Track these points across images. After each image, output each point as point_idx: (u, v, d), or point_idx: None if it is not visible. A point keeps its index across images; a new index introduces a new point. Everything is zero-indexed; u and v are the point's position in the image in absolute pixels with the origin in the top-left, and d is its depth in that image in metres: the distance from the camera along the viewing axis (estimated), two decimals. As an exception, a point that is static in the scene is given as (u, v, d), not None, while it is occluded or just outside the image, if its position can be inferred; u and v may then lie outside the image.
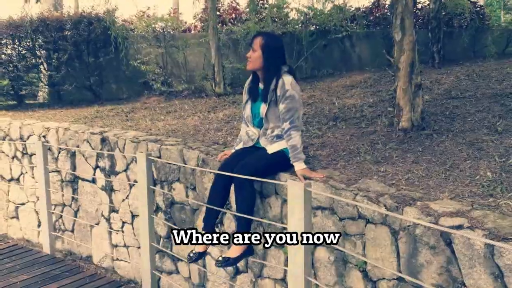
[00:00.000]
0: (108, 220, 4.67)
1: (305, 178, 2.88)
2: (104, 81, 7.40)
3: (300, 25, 7.49)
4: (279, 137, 3.02)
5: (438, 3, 6.87)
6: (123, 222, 4.51)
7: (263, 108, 2.99)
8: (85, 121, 5.77)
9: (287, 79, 2.92)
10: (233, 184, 3.01)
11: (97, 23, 6.89)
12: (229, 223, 3.52)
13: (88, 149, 4.73)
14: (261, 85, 3.07)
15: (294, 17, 7.86)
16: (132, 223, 4.41)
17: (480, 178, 2.79)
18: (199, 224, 3.76)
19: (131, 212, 4.38)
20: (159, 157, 4.02)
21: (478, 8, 8.14)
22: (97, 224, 4.77)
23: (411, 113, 3.88)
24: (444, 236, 2.16)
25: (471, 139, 3.52)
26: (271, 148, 2.99)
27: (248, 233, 2.87)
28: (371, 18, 8.29)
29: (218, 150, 3.81)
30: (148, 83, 7.45)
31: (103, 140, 4.64)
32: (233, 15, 8.55)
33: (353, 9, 8.10)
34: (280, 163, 3.02)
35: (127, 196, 4.41)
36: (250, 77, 3.16)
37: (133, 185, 4.29)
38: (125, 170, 4.41)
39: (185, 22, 8.41)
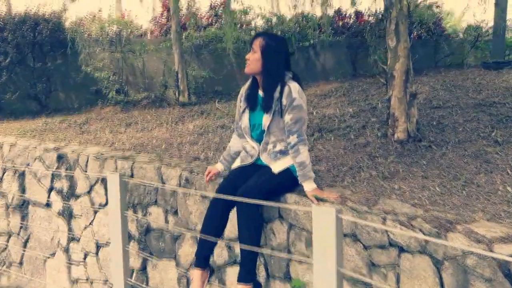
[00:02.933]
0: (66, 250, 4.02)
1: (317, 199, 2.52)
2: (52, 89, 6.63)
3: (266, 31, 7.17)
4: (283, 152, 2.64)
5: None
6: (86, 253, 3.89)
7: (266, 119, 2.60)
8: (34, 135, 5.05)
9: (294, 86, 2.55)
10: (233, 210, 2.59)
11: (44, 24, 6.15)
12: (220, 252, 3.07)
13: (41, 168, 4.06)
14: (260, 92, 2.68)
15: (258, 24, 7.55)
16: (97, 254, 3.80)
17: (503, 194, 2.59)
18: (182, 254, 3.27)
19: (96, 241, 3.78)
20: (132, 176, 3.48)
21: (435, 19, 8.30)
22: (53, 255, 4.10)
23: (407, 123, 3.67)
24: (503, 266, 1.88)
25: (473, 150, 3.35)
26: (276, 167, 2.60)
27: (255, 269, 2.45)
28: (334, 26, 8.18)
29: (202, 167, 3.36)
30: (101, 91, 6.78)
31: (60, 158, 4.00)
32: (192, 20, 8.08)
33: (317, 17, 7.93)
34: (287, 182, 2.64)
35: (91, 222, 3.81)
36: (248, 82, 2.76)
37: (99, 209, 3.70)
38: (88, 192, 3.81)
39: (141, 26, 7.83)
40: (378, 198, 2.59)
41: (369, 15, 8.51)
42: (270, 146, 2.65)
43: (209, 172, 2.88)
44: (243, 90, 2.78)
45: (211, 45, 7.23)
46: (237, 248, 2.95)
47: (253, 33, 7.41)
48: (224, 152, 2.95)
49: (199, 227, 3.15)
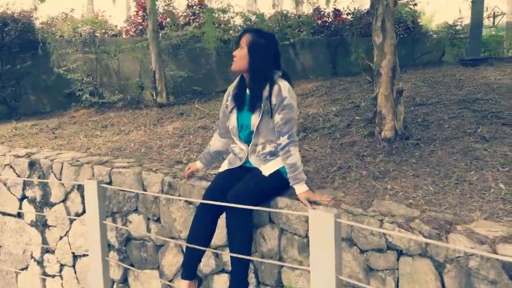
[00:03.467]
0: (40, 263, 3.78)
1: (310, 202, 2.40)
2: (21, 92, 6.31)
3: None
4: (273, 154, 2.51)
5: (383, 10, 6.84)
6: (62, 265, 3.66)
7: (254, 119, 2.46)
8: (2, 141, 4.77)
9: (284, 85, 2.43)
10: (221, 216, 2.45)
11: (13, 24, 5.84)
12: (206, 261, 2.92)
13: (11, 176, 3.81)
14: (248, 91, 2.54)
15: (236, 23, 7.41)
16: (74, 266, 3.59)
17: (497, 192, 2.54)
18: (166, 263, 3.11)
19: (73, 253, 3.56)
20: (110, 182, 3.29)
21: (413, 17, 8.35)
22: (25, 268, 3.85)
23: (394, 121, 3.60)
24: (507, 267, 1.80)
25: (461, 147, 3.31)
26: (267, 169, 2.47)
27: (247, 278, 2.31)
28: (314, 25, 8.11)
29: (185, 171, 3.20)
30: (75, 94, 6.50)
31: (32, 164, 3.76)
32: (168, 20, 7.86)
33: (296, 15, 7.84)
34: (278, 185, 2.51)
35: (67, 232, 3.59)
36: (236, 81, 2.62)
37: (75, 219, 3.49)
38: (63, 201, 3.59)
39: (116, 26, 7.56)
40: (372, 199, 2.49)
41: (347, 14, 8.50)
42: (259, 148, 2.52)
43: (188, 168, 2.93)
44: (231, 89, 2.64)
45: (189, 44, 7.04)
46: (225, 256, 2.81)
47: (232, 32, 7.28)
48: (204, 150, 2.88)
49: (183, 235, 3.00)
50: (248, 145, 2.55)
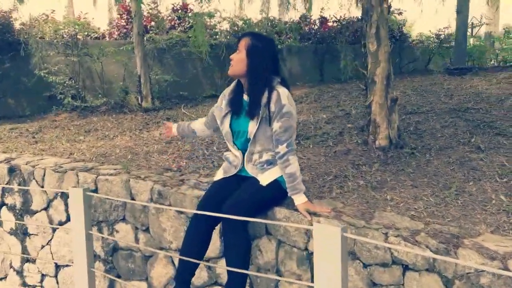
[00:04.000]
0: (20, 273, 3.58)
1: (310, 213, 2.31)
2: (0, 95, 6.06)
3: (231, 36, 6.94)
4: (270, 163, 2.41)
5: (371, 18, 6.86)
6: (43, 275, 3.47)
7: (252, 126, 2.36)
8: (-21, 145, 4.53)
9: (283, 92, 2.34)
10: (216, 229, 2.33)
11: (-10, 24, 5.61)
12: (198, 273, 2.79)
13: (-11, 183, 3.61)
14: (245, 97, 2.44)
15: (223, 28, 7.31)
16: (56, 276, 3.40)
17: (498, 203, 2.50)
18: (155, 275, 2.96)
19: (55, 263, 3.38)
20: (96, 190, 3.13)
21: (398, 26, 8.42)
22: (4, 278, 3.64)
23: (389, 130, 3.55)
24: (520, 285, 1.74)
25: (457, 157, 3.28)
26: (264, 178, 2.36)
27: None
28: (301, 32, 8.09)
29: (176, 179, 3.07)
30: (56, 97, 6.28)
31: (12, 170, 3.57)
32: (153, 23, 7.72)
33: (283, 22, 7.81)
34: (275, 195, 2.41)
35: (49, 241, 3.41)
36: (232, 85, 2.51)
37: (58, 228, 3.31)
38: (45, 209, 3.40)
39: (99, 28, 7.37)
40: (373, 210, 2.42)
41: (333, 21, 8.51)
42: (255, 156, 2.42)
43: (166, 127, 2.90)
44: (226, 92, 2.53)
45: (176, 49, 6.91)
46: (218, 268, 2.69)
47: (218, 37, 7.18)
48: (185, 122, 2.89)
49: (174, 245, 2.86)
50: (243, 153, 2.45)
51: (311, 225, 2.26)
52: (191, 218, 2.37)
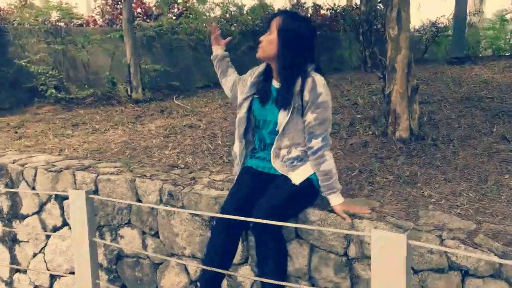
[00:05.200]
0: (9, 284, 3.23)
1: (349, 215, 2.07)
2: (-24, 86, 5.59)
3: (226, 23, 6.61)
4: (300, 159, 2.15)
5: (369, 5, 6.64)
6: (36, 286, 3.14)
7: (282, 117, 2.08)
8: (-43, 142, 4.12)
9: (319, 79, 2.07)
10: (244, 234, 2.07)
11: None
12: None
13: (-29, 184, 3.23)
14: (275, 83, 2.16)
15: (216, 14, 6.97)
16: (51, 287, 3.07)
17: (544, 199, 2.31)
18: (166, 284, 2.68)
19: (49, 272, 3.05)
20: (96, 191, 2.81)
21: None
22: (-10, 291, 3.29)
23: (410, 120, 3.33)
24: None
25: (483, 148, 3.09)
26: (296, 177, 2.10)
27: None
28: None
29: (186, 178, 2.78)
30: (37, 89, 5.84)
31: (-3, 170, 3.20)
32: (139, 9, 7.31)
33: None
34: (309, 195, 2.16)
35: (42, 249, 3.07)
36: (261, 68, 2.23)
37: (53, 234, 2.98)
38: (37, 213, 3.06)
39: (82, 15, 6.91)
40: (415, 209, 2.19)
41: (327, 9, 8.26)
42: (283, 152, 2.15)
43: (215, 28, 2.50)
44: (254, 72, 2.24)
45: (166, 36, 6.53)
46: (240, 276, 2.43)
47: (212, 24, 6.82)
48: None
49: (187, 251, 2.58)
50: (244, 144, 2.20)
51: (352, 227, 2.02)
52: (215, 224, 2.09)
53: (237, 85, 2.36)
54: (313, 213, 2.15)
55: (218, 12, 6.83)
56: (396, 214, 2.12)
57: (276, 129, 2.12)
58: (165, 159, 3.37)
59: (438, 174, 2.72)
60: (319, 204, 2.23)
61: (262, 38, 2.10)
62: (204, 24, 6.79)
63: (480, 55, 8.14)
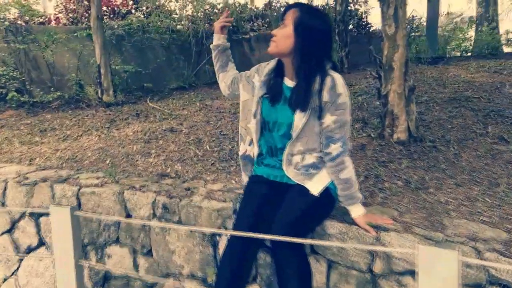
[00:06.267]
0: (-25, 314, 2.85)
1: (371, 226, 1.90)
2: None
3: (200, 21, 6.33)
4: (316, 166, 1.96)
5: (345, 5, 6.58)
6: (7, 315, 2.78)
7: (298, 119, 1.88)
8: None
9: (339, 78, 1.89)
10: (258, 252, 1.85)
11: None
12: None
13: None
14: (288, 81, 1.96)
15: (188, 13, 6.68)
16: (25, 315, 2.73)
17: (561, 202, 2.24)
18: (162, 306, 2.41)
19: (24, 298, 2.71)
20: (79, 206, 2.51)
21: (365, 14, 8.26)
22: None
23: (408, 122, 3.23)
24: None
25: (484, 150, 3.03)
26: (315, 186, 1.90)
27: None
28: (267, 20, 7.64)
29: (180, 188, 2.53)
30: (-3, 92, 5.36)
31: (-41, 184, 2.81)
32: (105, 8, 6.91)
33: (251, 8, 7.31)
34: (327, 206, 1.97)
35: (14, 272, 2.72)
36: (272, 64, 2.02)
37: (27, 255, 2.64)
38: (8, 231, 2.71)
39: (44, 12, 6.44)
40: (439, 218, 2.06)
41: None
42: (297, 158, 1.95)
43: (225, 17, 2.19)
44: (264, 70, 2.03)
45: (136, 35, 6.18)
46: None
47: (184, 22, 6.54)
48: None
49: (186, 270, 2.34)
50: (260, 148, 2.01)
51: (378, 241, 1.85)
52: (227, 245, 1.86)
53: (239, 82, 2.15)
54: (332, 226, 1.97)
55: (190, 10, 6.55)
56: (421, 224, 1.97)
57: (291, 132, 1.92)
58: (151, 167, 3.10)
59: (447, 178, 2.62)
60: (336, 215, 2.05)
61: (275, 31, 1.89)
62: (175, 23, 6.51)
63: (449, 56, 8.31)
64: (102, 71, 5.31)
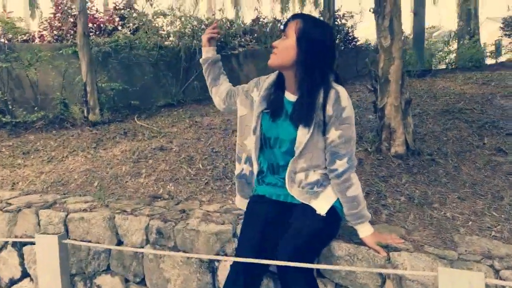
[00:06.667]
0: None
1: (381, 246, 1.80)
2: None
3: (188, 38, 6.25)
4: (321, 184, 1.85)
5: (332, 20, 6.59)
6: None
7: (302, 135, 1.78)
8: None
9: (343, 92, 1.80)
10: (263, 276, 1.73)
11: None
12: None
13: None
14: (289, 95, 1.87)
15: (175, 29, 6.60)
16: None
17: None
18: (157, 338, 2.26)
19: (7, 334, 2.52)
20: (67, 233, 2.36)
21: (352, 28, 8.30)
22: None
23: (405, 135, 3.17)
24: None
25: (483, 162, 2.97)
26: (321, 205, 1.80)
27: None
28: (255, 35, 7.62)
29: (175, 211, 2.40)
30: (-23, 113, 5.18)
31: None
32: (90, 24, 6.80)
33: (241, 23, 7.28)
34: (334, 226, 1.87)
35: (-4, 306, 2.53)
36: (273, 77, 1.92)
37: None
38: (-10, 262, 2.53)
39: (28, 29, 6.29)
40: (449, 235, 1.97)
41: (266, 23, 8.15)
42: (300, 176, 1.84)
43: (213, 28, 2.09)
44: (264, 84, 1.93)
45: (123, 52, 6.07)
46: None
47: (172, 39, 6.46)
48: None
49: (183, 298, 2.19)
50: (260, 166, 1.91)
51: (389, 262, 1.75)
52: (229, 273, 1.74)
53: (236, 96, 2.04)
54: (340, 247, 1.86)
55: (177, 26, 6.47)
56: (432, 242, 1.88)
57: (294, 148, 1.81)
58: (142, 188, 2.96)
59: (450, 192, 2.54)
60: (343, 235, 1.94)
61: (276, 43, 1.80)
62: (162, 39, 6.42)
63: (435, 68, 8.38)
64: (88, 89, 5.17)
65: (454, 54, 8.45)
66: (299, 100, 1.80)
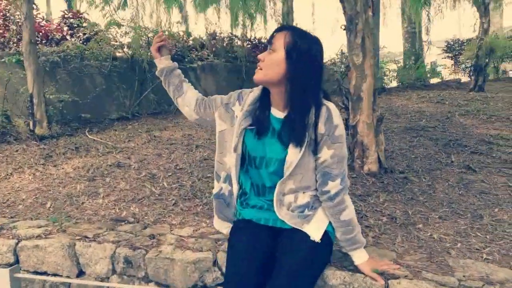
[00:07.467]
0: None
1: (377, 273, 1.69)
2: None
3: (141, 49, 5.98)
4: (311, 207, 1.72)
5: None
6: None
7: (293, 155, 1.63)
8: None
9: (334, 109, 1.69)
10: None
11: None
12: None
13: None
14: (276, 112, 1.71)
15: (128, 40, 6.31)
16: None
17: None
18: None
19: None
20: (17, 263, 2.04)
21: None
22: None
23: (378, 153, 3.13)
24: None
25: (456, 180, 3.00)
26: (315, 231, 1.65)
27: None
28: (213, 50, 7.48)
29: (141, 236, 2.17)
30: None
31: None
32: (38, 32, 6.34)
33: (198, 37, 7.11)
34: (327, 252, 1.73)
35: None
36: (257, 92, 1.75)
37: None
38: None
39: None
40: (442, 258, 1.89)
41: (243, 40, 8.11)
42: (289, 198, 1.69)
43: (159, 37, 1.87)
44: (248, 99, 1.75)
45: (73, 62, 5.68)
46: None
47: (127, 50, 6.16)
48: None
49: (154, 336, 1.95)
50: (242, 186, 1.75)
51: (388, 291, 1.63)
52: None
53: (213, 107, 1.84)
54: (334, 275, 1.72)
55: (129, 38, 6.18)
56: (427, 267, 1.79)
57: (284, 169, 1.66)
58: (102, 210, 2.68)
59: (430, 212, 2.50)
60: (334, 262, 1.81)
61: (262, 56, 1.64)
62: (115, 50, 6.10)
63: (388, 87, 8.67)
64: (35, 100, 4.76)
65: (405, 74, 8.81)
66: (290, 117, 1.65)
